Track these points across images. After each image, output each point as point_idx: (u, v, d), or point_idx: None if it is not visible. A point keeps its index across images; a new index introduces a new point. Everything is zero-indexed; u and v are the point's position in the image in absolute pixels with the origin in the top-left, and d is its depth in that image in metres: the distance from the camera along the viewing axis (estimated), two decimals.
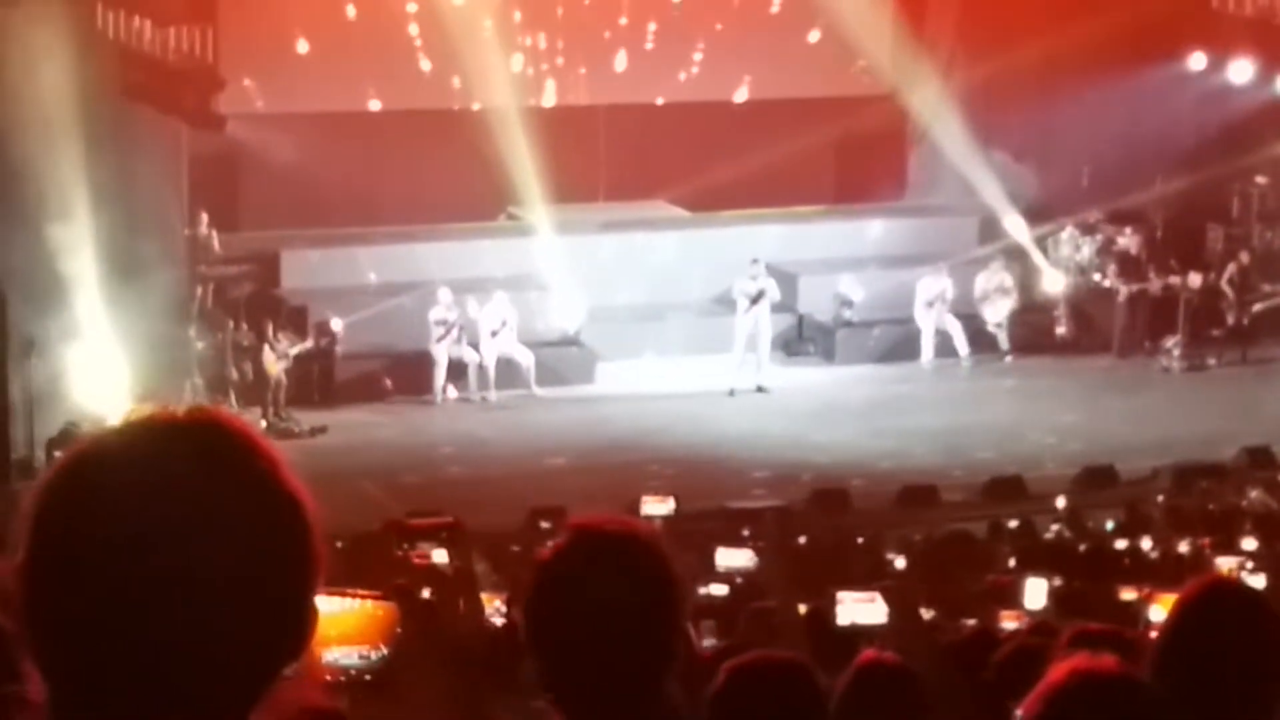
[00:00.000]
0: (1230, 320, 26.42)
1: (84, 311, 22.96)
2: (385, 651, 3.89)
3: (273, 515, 2.22)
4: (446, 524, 17.08)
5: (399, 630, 4.02)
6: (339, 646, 3.93)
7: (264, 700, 2.24)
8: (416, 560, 16.73)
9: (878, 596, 9.61)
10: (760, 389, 24.85)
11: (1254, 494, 19.11)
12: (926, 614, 11.90)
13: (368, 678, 3.97)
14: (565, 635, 3.39)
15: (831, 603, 9.53)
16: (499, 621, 11.08)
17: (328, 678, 3.95)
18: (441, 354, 24.63)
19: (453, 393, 24.77)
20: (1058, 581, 13.67)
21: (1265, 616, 4.31)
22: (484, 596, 11.74)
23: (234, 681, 2.21)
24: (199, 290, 24.63)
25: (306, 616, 2.25)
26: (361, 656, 3.97)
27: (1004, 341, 26.62)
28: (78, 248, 23.02)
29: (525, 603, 3.45)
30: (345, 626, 3.99)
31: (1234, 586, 4.50)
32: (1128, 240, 27.53)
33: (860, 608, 9.61)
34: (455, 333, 24.66)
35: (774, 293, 25.15)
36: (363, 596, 4.10)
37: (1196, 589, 4.32)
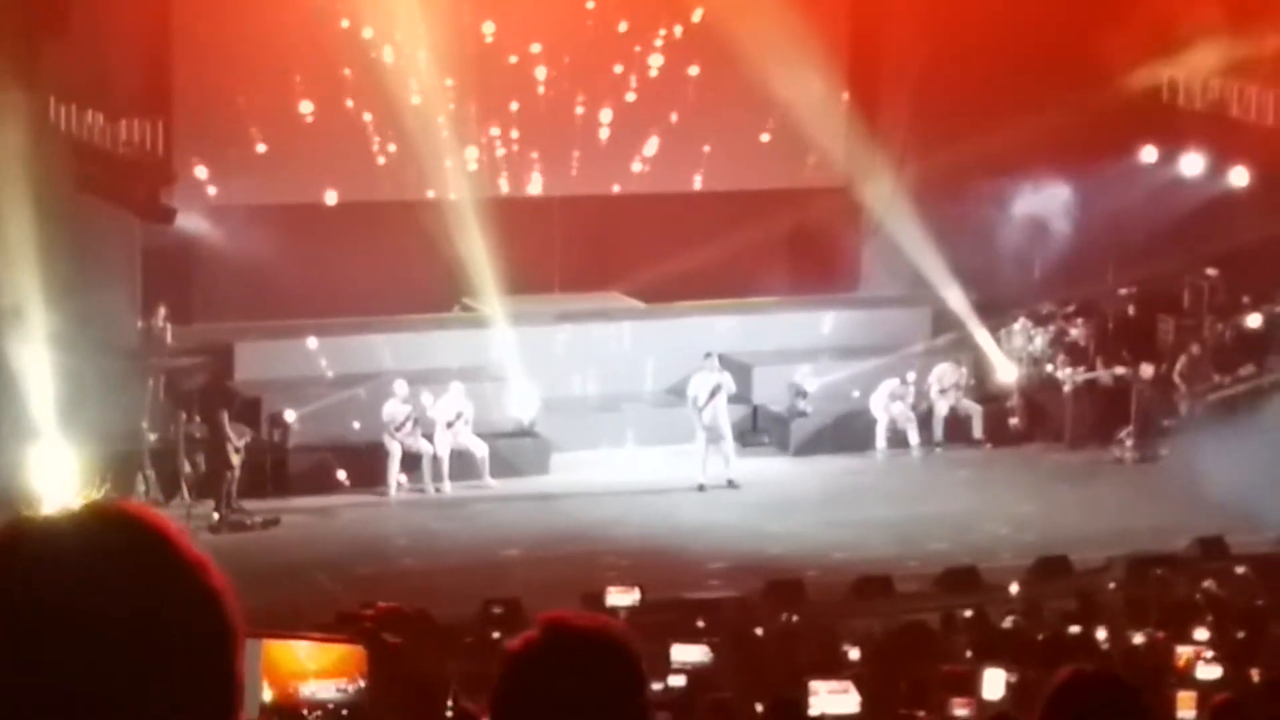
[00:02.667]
0: (1183, 411, 26.51)
1: (36, 405, 22.86)
2: (362, 684, 3.90)
3: (179, 591, 2.23)
4: (396, 611, 17.02)
5: (367, 671, 4.02)
6: (316, 680, 3.92)
7: None
8: (381, 606, 16.68)
9: (850, 686, 9.60)
10: (731, 484, 24.82)
11: (1206, 584, 19.14)
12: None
13: (345, 712, 3.96)
14: None
15: (803, 693, 9.51)
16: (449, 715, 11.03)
17: (305, 712, 3.94)
18: (395, 445, 24.56)
19: (406, 484, 24.69)
20: (1015, 674, 13.67)
21: (1131, 703, 4.54)
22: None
23: None
24: (151, 382, 24.52)
25: (229, 685, 2.25)
26: (339, 690, 3.97)
27: (978, 430, 26.68)
28: (29, 340, 22.94)
29: (493, 693, 3.43)
30: (323, 663, 3.99)
31: (1096, 675, 4.62)
32: (1080, 331, 27.66)
33: (833, 698, 9.59)
34: (410, 425, 24.61)
35: (729, 386, 25.18)
36: (332, 640, 4.09)
37: (1064, 677, 4.52)
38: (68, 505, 2.29)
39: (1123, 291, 28.10)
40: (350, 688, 3.83)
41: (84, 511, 2.27)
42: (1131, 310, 28.08)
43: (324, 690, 3.81)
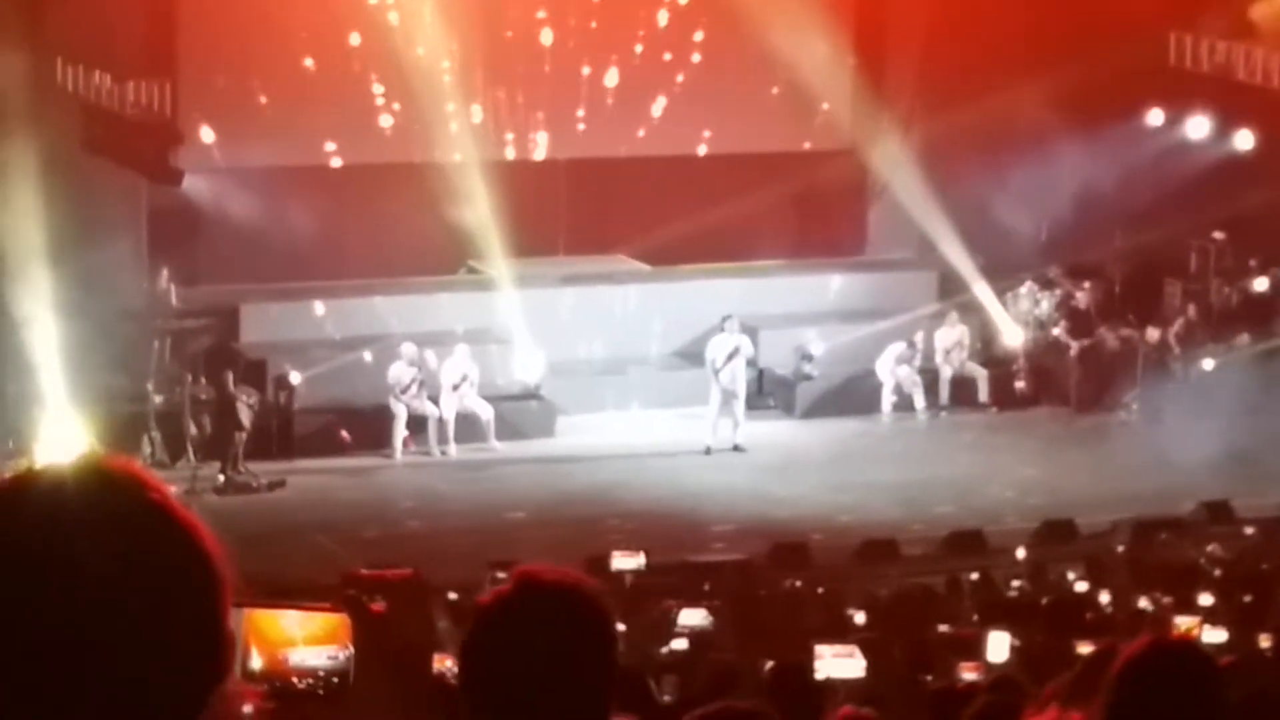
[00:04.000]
0: (1178, 374, 26.48)
1: (42, 367, 22.87)
2: (352, 650, 3.89)
3: (165, 547, 2.23)
4: (404, 575, 17.03)
5: (352, 640, 4.02)
6: (306, 647, 3.92)
7: None
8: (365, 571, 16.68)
9: (856, 650, 9.62)
10: (737, 448, 24.82)
11: (1211, 548, 19.15)
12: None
13: (335, 679, 3.95)
14: (499, 678, 3.38)
15: (809, 656, 9.53)
16: (453, 681, 11.05)
17: (295, 679, 3.94)
18: (401, 408, 24.57)
19: (412, 447, 24.70)
20: (1020, 638, 13.68)
21: (1207, 674, 4.41)
22: (437, 656, 11.69)
23: (153, 716, 2.21)
24: (157, 344, 24.51)
25: (219, 641, 2.26)
26: (330, 657, 3.96)
27: (984, 393, 26.68)
28: (35, 303, 22.95)
29: (462, 644, 3.44)
30: (311, 630, 3.98)
31: (1177, 645, 4.56)
32: (1086, 295, 27.63)
33: (839, 662, 9.60)
34: (415, 387, 24.61)
35: (748, 349, 25.16)
36: (316, 609, 4.09)
37: (1139, 648, 4.42)
38: (60, 461, 2.28)
39: (1128, 255, 28.06)
40: (341, 654, 3.85)
41: (74, 467, 2.27)
42: (1137, 274, 28.04)
43: (313, 657, 3.83)
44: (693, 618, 14.87)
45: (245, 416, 23.60)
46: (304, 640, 4.02)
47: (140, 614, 2.19)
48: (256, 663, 4.09)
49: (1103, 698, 4.39)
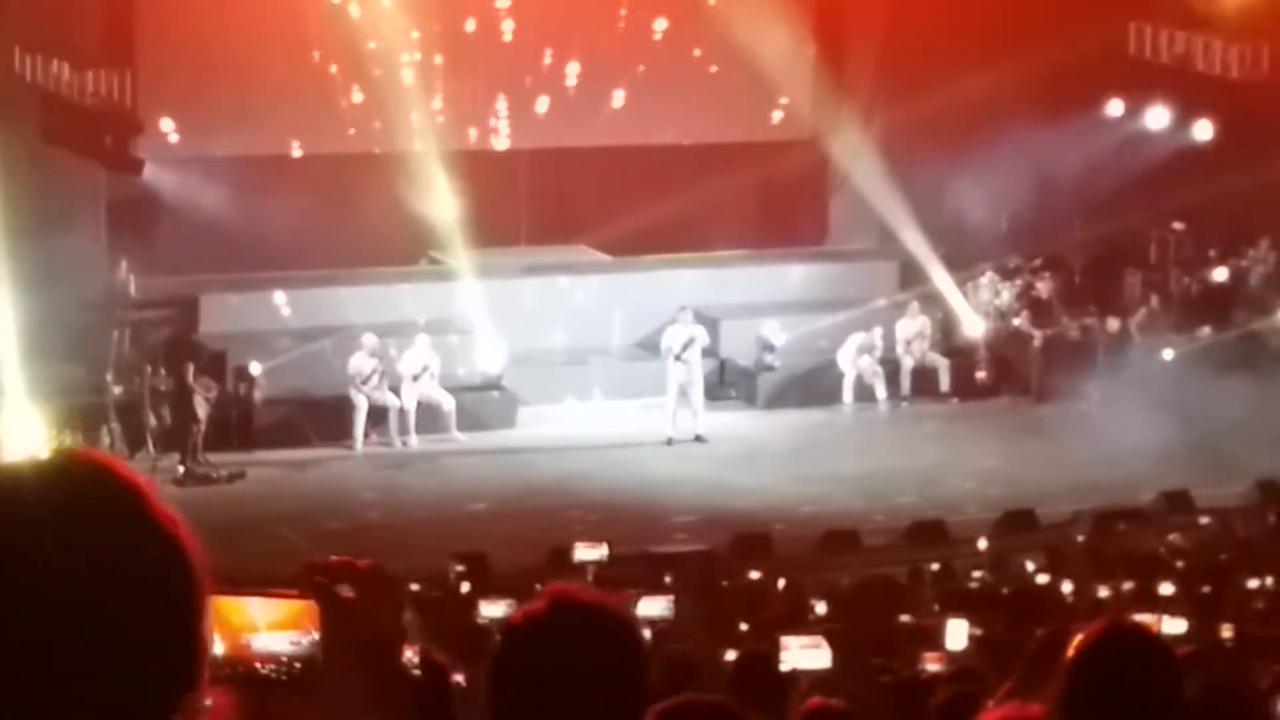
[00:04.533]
0: (1143, 365, 26.55)
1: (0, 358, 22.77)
2: (315, 636, 3.85)
3: (143, 544, 2.20)
4: (356, 565, 17.00)
5: (318, 627, 3.99)
6: (268, 632, 3.89)
7: None
8: (333, 560, 16.58)
9: (823, 641, 9.62)
10: (698, 438, 24.81)
11: (1172, 537, 19.21)
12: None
13: (298, 665, 3.92)
14: (529, 698, 3.34)
15: (773, 647, 9.52)
16: (415, 673, 11.01)
17: (258, 665, 3.90)
18: (361, 399, 24.51)
19: (373, 438, 24.65)
20: (981, 628, 13.69)
21: (1161, 658, 4.44)
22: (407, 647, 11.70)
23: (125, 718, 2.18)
24: (116, 335, 24.41)
25: (196, 644, 2.23)
26: (293, 642, 3.93)
27: (945, 383, 26.71)
28: None
29: (492, 663, 3.39)
30: (274, 616, 3.95)
31: (1131, 630, 4.57)
32: (1046, 285, 27.69)
33: (805, 653, 9.59)
34: (376, 378, 24.55)
35: (703, 339, 25.17)
36: (282, 595, 4.06)
37: (1094, 633, 4.43)
38: (37, 454, 2.25)
39: (1088, 245, 28.14)
40: (304, 639, 3.82)
41: (53, 460, 2.24)
42: (1098, 264, 28.12)
43: (276, 643, 3.80)
44: (652, 608, 14.86)
45: (200, 409, 23.51)
46: (266, 626, 4.00)
47: (116, 613, 2.16)
48: (219, 648, 4.06)
49: (1058, 683, 4.40)
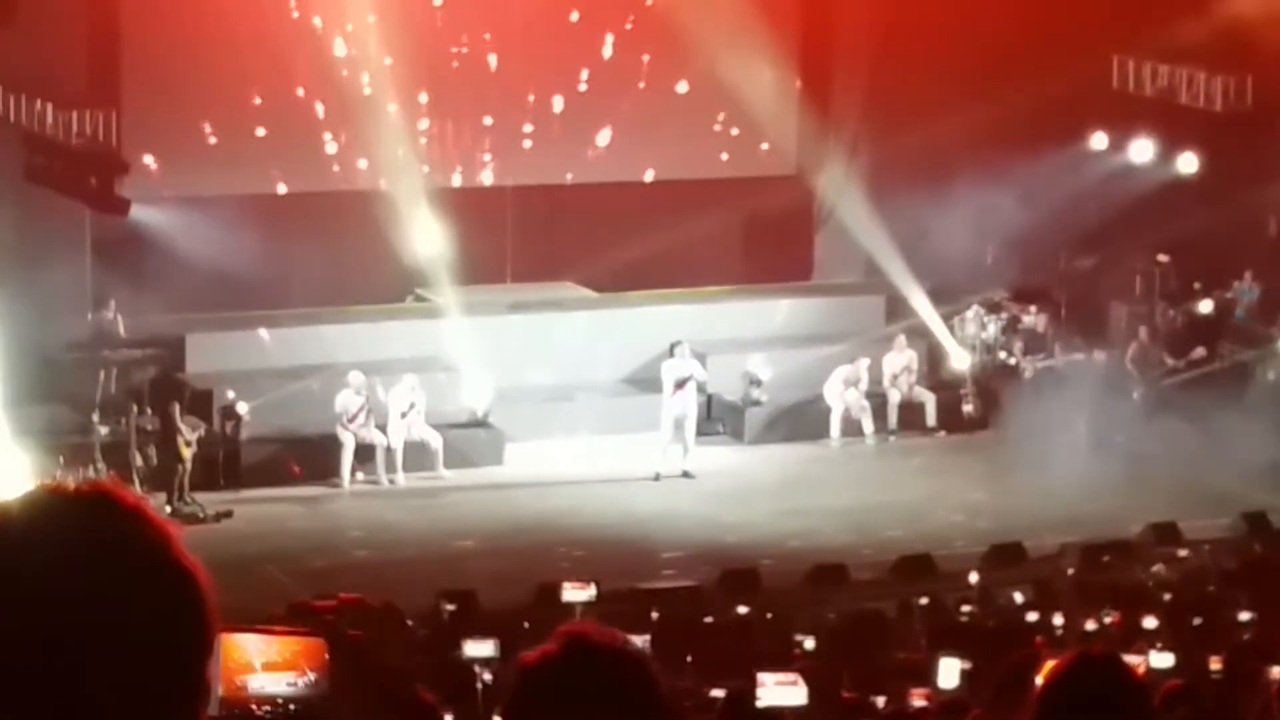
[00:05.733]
0: (1135, 397, 26.59)
1: None
2: (312, 678, 3.83)
3: (164, 589, 2.21)
4: (352, 601, 16.97)
5: (327, 663, 3.96)
6: (266, 674, 3.87)
7: None
8: (344, 597, 16.57)
9: (799, 678, 9.60)
10: (686, 474, 24.79)
11: (1156, 568, 19.22)
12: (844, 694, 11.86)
13: (294, 707, 3.90)
14: None
15: (751, 684, 9.51)
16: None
17: (254, 707, 3.89)
18: (349, 437, 24.48)
19: (360, 476, 24.62)
20: (970, 662, 13.69)
21: (1131, 686, 4.48)
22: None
23: None
24: (102, 375, 24.38)
25: (197, 686, 2.23)
26: (289, 684, 3.91)
27: (932, 418, 26.71)
28: None
29: (506, 704, 3.36)
30: (270, 656, 3.93)
31: (1102, 658, 4.57)
32: (1033, 318, 27.72)
33: (781, 690, 9.57)
34: (363, 416, 24.53)
35: (700, 375, 25.16)
36: (289, 633, 4.03)
37: (1065, 661, 4.44)
38: (48, 488, 2.25)
39: (1074, 278, 28.18)
40: (300, 681, 3.78)
41: (78, 495, 2.24)
42: (1083, 297, 28.16)
43: (273, 684, 3.76)
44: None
45: (186, 449, 23.48)
46: (264, 666, 3.98)
47: (126, 651, 2.17)
48: (218, 690, 4.03)
49: (1028, 711, 4.41)
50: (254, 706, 4.04)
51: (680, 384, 24.96)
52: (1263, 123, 26.29)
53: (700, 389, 25.37)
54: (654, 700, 3.33)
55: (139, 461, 23.64)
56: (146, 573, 2.20)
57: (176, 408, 23.84)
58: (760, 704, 9.34)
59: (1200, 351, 27.08)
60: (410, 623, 17.53)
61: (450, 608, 17.81)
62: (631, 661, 3.33)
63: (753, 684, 9.48)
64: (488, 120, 27.80)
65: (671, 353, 25.31)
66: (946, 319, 27.49)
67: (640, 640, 14.53)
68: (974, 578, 19.39)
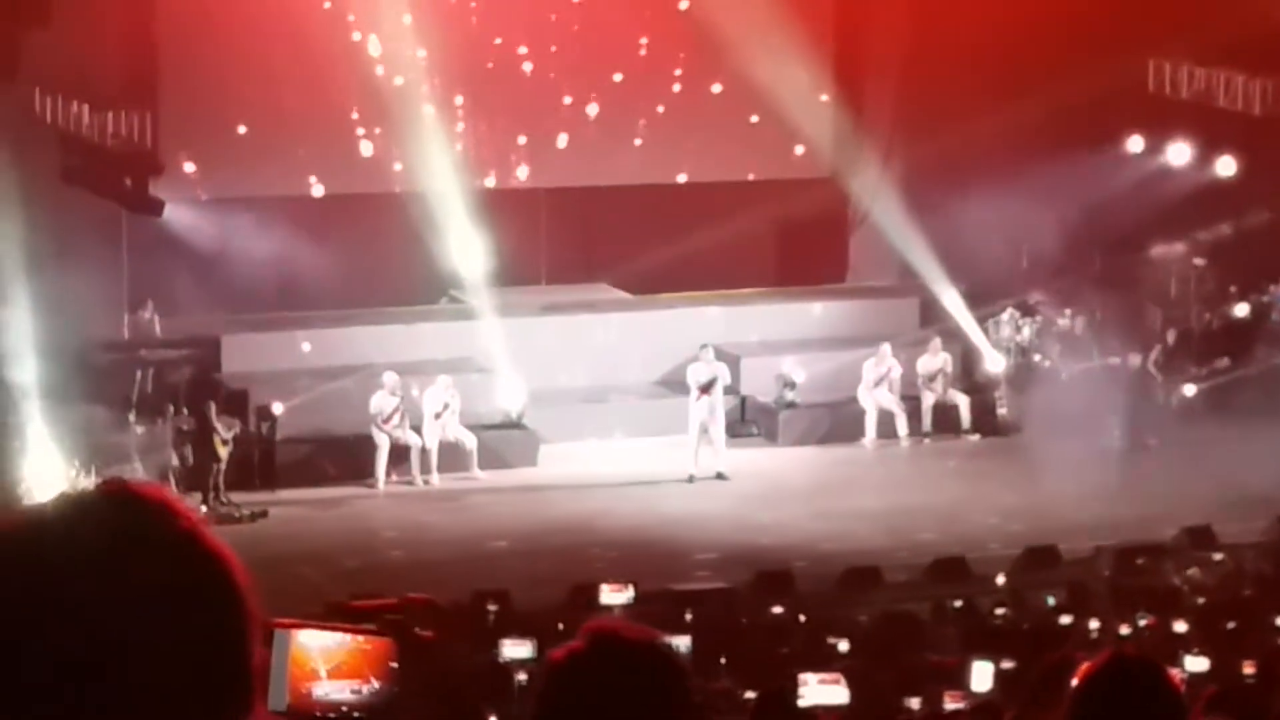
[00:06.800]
0: (1161, 401, 26.50)
1: (22, 399, 22.81)
2: (377, 685, 3.84)
3: (196, 577, 2.22)
4: (390, 605, 16.99)
5: (395, 666, 3.96)
6: (330, 681, 3.87)
7: None
8: (412, 596, 16.57)
9: (841, 678, 9.61)
10: (720, 475, 24.78)
11: (1191, 572, 19.17)
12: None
13: (357, 715, 3.91)
14: None
15: (792, 684, 9.52)
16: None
17: (318, 715, 3.89)
18: (383, 438, 24.52)
19: (394, 477, 24.66)
20: (1004, 664, 13.66)
21: (1165, 690, 4.47)
22: None
23: None
24: (139, 375, 24.46)
25: (244, 674, 2.24)
26: (353, 691, 3.92)
27: (966, 420, 26.68)
28: (15, 333, 22.90)
29: (535, 702, 3.36)
30: (337, 661, 3.94)
31: (1136, 661, 4.57)
32: (1068, 321, 27.66)
33: (823, 689, 9.59)
34: (398, 417, 24.57)
35: (725, 377, 25.16)
36: (357, 632, 4.04)
37: (1098, 663, 4.43)
38: (87, 487, 2.27)
39: (1109, 281, 28.11)
40: (364, 689, 3.79)
41: (105, 490, 2.25)
42: (1118, 300, 28.08)
43: (337, 691, 3.78)
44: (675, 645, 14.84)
45: (222, 449, 23.55)
46: (329, 674, 3.98)
47: (164, 644, 2.18)
48: (285, 698, 4.06)
49: (1062, 713, 4.40)
50: (318, 714, 4.05)
51: (705, 387, 24.96)
52: None
53: (726, 391, 25.36)
54: (682, 695, 3.33)
55: (175, 461, 23.72)
56: (176, 561, 2.20)
57: (212, 407, 23.92)
58: (802, 703, 9.35)
59: (1224, 360, 26.97)
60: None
61: (493, 608, 17.83)
62: (659, 657, 3.33)
63: (792, 684, 9.49)
64: (522, 122, 27.82)
65: (698, 356, 25.31)
66: (981, 321, 27.45)
67: (680, 642, 14.60)
68: (1000, 580, 19.35)
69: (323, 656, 4.02)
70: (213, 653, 2.20)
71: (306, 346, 25.91)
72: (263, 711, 2.30)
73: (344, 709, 3.98)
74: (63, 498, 2.24)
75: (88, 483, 2.32)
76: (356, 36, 26.67)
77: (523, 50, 27.71)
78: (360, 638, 4.18)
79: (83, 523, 2.21)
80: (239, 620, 2.24)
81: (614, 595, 16.88)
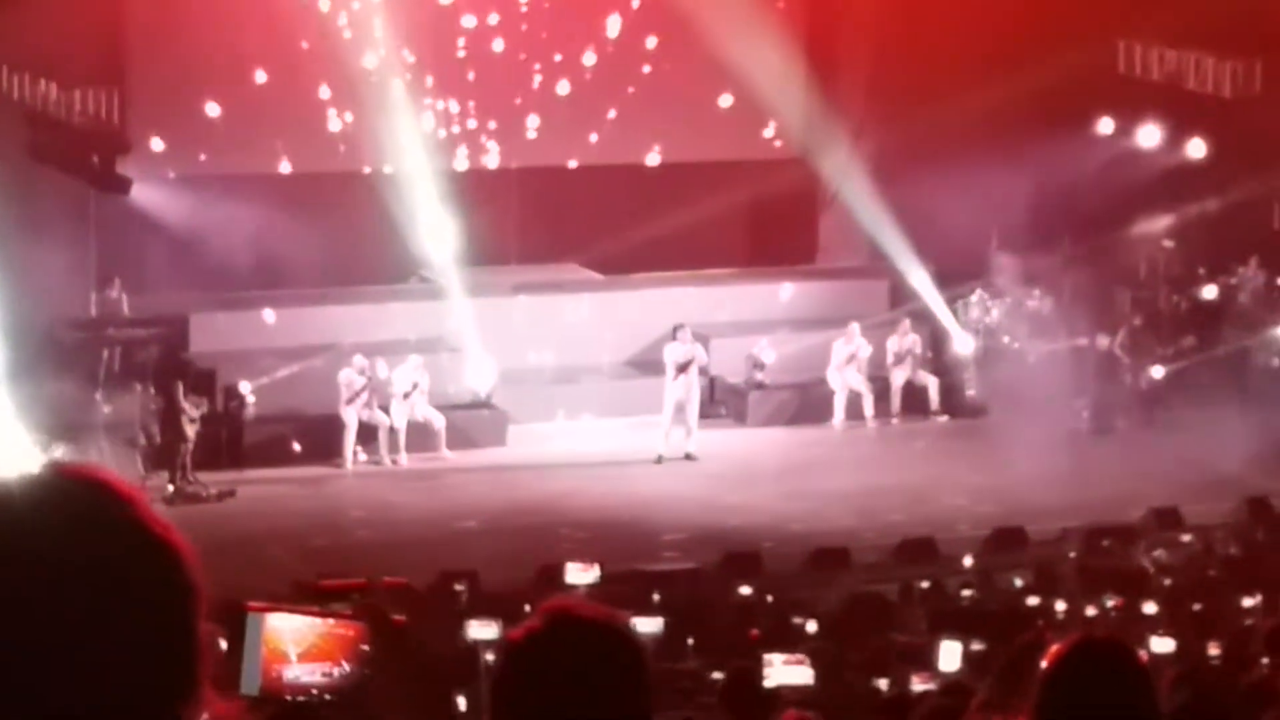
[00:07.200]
0: (1129, 383, 26.55)
1: None
2: (348, 668, 3.83)
3: (137, 554, 2.20)
4: (358, 585, 16.97)
5: (366, 649, 3.96)
6: (301, 664, 3.86)
7: None
8: (387, 580, 16.54)
9: (806, 659, 9.63)
10: (689, 456, 24.79)
11: (1158, 553, 19.21)
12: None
13: (328, 697, 3.90)
14: (533, 717, 3.30)
15: (758, 664, 9.53)
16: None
17: (288, 697, 3.89)
18: (352, 417, 24.48)
19: (362, 456, 24.63)
20: (972, 645, 13.68)
21: (1135, 671, 4.48)
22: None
23: None
24: (106, 354, 24.39)
25: (191, 650, 2.22)
26: (324, 674, 3.90)
27: (934, 401, 26.71)
28: None
29: (493, 682, 3.35)
30: (308, 644, 3.93)
31: (1105, 643, 4.57)
32: (1037, 303, 27.69)
33: (788, 670, 9.60)
34: (366, 395, 24.53)
35: (702, 358, 25.15)
36: (329, 615, 4.03)
37: (1068, 645, 4.43)
38: (27, 469, 2.26)
39: (1078, 263, 28.14)
40: (335, 671, 3.78)
41: (45, 472, 2.24)
42: (1087, 281, 28.12)
43: (307, 674, 3.76)
44: (645, 626, 14.82)
45: (190, 428, 23.49)
46: (299, 657, 3.97)
47: (108, 623, 2.16)
48: (257, 682, 4.05)
49: (1032, 694, 4.40)
50: (288, 697, 4.04)
51: (682, 367, 24.95)
52: (1271, 108, 26.23)
53: (702, 372, 25.35)
54: (640, 673, 3.33)
55: (142, 440, 23.65)
56: (117, 540, 2.19)
57: (180, 386, 23.85)
58: (768, 684, 9.35)
59: (1190, 340, 27.03)
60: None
61: (461, 588, 17.81)
62: (617, 636, 3.33)
63: (757, 664, 9.50)
64: (493, 102, 27.77)
65: (674, 336, 25.30)
66: (950, 303, 27.48)
67: (652, 623, 14.59)
68: (968, 561, 19.39)
69: (294, 639, 4.01)
70: (157, 630, 2.19)
71: (274, 323, 25.83)
72: (211, 694, 2.28)
73: (314, 691, 3.97)
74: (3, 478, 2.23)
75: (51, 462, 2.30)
76: (325, 10, 26.57)
77: (493, 26, 27.64)
78: (332, 621, 4.18)
79: (20, 505, 2.19)
80: (184, 597, 2.23)
81: (580, 574, 16.86)
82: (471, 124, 27.83)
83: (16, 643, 2.13)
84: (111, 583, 2.17)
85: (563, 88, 28.07)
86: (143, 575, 2.19)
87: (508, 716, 3.33)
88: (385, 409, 24.63)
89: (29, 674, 2.13)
